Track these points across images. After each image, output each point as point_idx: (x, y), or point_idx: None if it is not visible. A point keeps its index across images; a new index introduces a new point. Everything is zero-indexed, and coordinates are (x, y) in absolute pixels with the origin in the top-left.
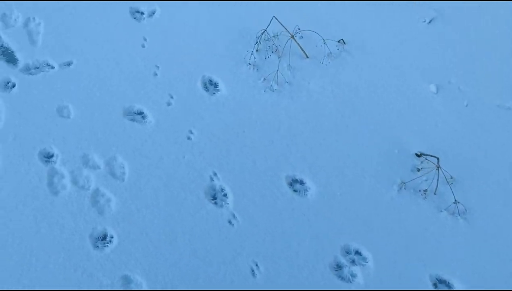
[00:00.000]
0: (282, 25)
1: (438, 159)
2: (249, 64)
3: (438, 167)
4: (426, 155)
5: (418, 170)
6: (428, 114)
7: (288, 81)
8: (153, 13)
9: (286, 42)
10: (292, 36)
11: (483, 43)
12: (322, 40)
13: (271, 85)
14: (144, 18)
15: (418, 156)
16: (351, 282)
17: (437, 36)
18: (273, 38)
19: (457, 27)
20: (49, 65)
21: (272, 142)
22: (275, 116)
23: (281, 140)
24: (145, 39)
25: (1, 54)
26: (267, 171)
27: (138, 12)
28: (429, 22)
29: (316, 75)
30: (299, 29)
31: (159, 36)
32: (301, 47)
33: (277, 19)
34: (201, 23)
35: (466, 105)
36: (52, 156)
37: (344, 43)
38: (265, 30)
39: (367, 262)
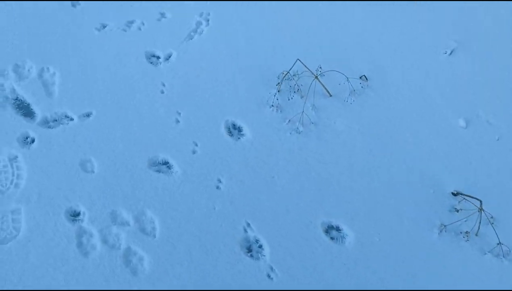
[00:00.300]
0: (306, 67)
1: (481, 201)
2: (272, 105)
3: (481, 209)
4: (466, 195)
5: (457, 211)
6: (460, 150)
7: (314, 122)
8: (169, 57)
9: (311, 83)
10: (316, 77)
11: (506, 73)
12: (345, 78)
13: (297, 127)
14: (160, 63)
15: (455, 195)
16: None
17: (459, 68)
18: (294, 77)
19: (478, 58)
20: (68, 117)
21: (304, 187)
22: (304, 159)
23: (312, 185)
24: (163, 85)
25: (17, 108)
26: (302, 219)
27: (154, 56)
28: (450, 53)
29: (341, 114)
30: (320, 68)
31: (177, 81)
32: (324, 87)
33: (301, 61)
34: (219, 65)
35: (498, 139)
36: (79, 214)
37: (366, 79)
38: (288, 72)
39: None
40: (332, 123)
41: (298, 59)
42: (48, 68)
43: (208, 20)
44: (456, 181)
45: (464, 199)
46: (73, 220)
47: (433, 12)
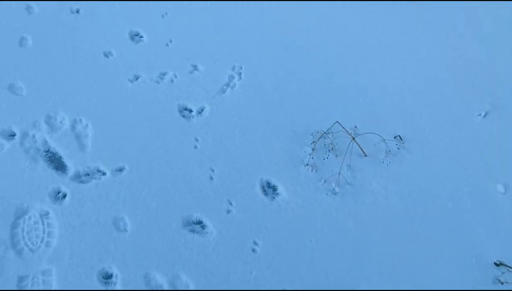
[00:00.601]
0: (343, 128)
1: None
2: (307, 164)
3: None
4: (510, 267)
5: (502, 283)
6: (500, 217)
7: (350, 183)
8: (202, 110)
9: (348, 145)
10: (353, 138)
11: None
12: (381, 138)
13: (334, 188)
14: (193, 116)
15: (497, 265)
16: None
17: (494, 131)
18: (329, 135)
19: None
20: (100, 172)
21: (343, 252)
22: (341, 222)
23: (351, 249)
24: (196, 140)
25: (48, 161)
26: (342, 285)
27: (186, 109)
28: (484, 115)
29: (377, 175)
30: (355, 127)
31: (210, 136)
32: (360, 147)
33: (340, 123)
34: (252, 121)
35: None
36: (111, 276)
37: (401, 139)
38: (325, 133)
39: None
40: (369, 185)
41: (337, 121)
42: (80, 120)
43: (240, 74)
44: (498, 250)
45: (508, 270)
46: (105, 283)
47: (467, 78)
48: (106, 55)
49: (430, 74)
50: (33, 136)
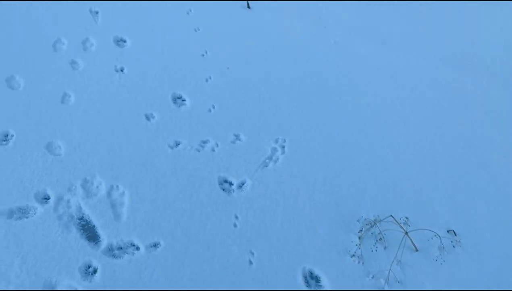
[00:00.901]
0: (396, 221)
1: None
2: (353, 255)
3: None
4: None
5: None
6: None
7: (400, 281)
8: (243, 184)
9: (401, 240)
10: (406, 233)
11: None
12: (433, 233)
13: (383, 286)
14: (233, 190)
15: None
16: None
17: None
18: (376, 222)
19: None
20: (134, 246)
21: None
22: None
23: None
24: (236, 217)
25: (81, 230)
26: None
27: (226, 182)
28: None
29: (429, 275)
30: (407, 218)
31: (251, 214)
32: (412, 241)
33: (394, 217)
34: (295, 201)
35: None
36: None
37: (455, 234)
38: (375, 224)
39: None
40: (421, 284)
41: (391, 215)
42: (117, 187)
43: (283, 147)
44: None
45: None
46: None
47: None
48: (147, 117)
49: (483, 162)
50: (68, 201)
